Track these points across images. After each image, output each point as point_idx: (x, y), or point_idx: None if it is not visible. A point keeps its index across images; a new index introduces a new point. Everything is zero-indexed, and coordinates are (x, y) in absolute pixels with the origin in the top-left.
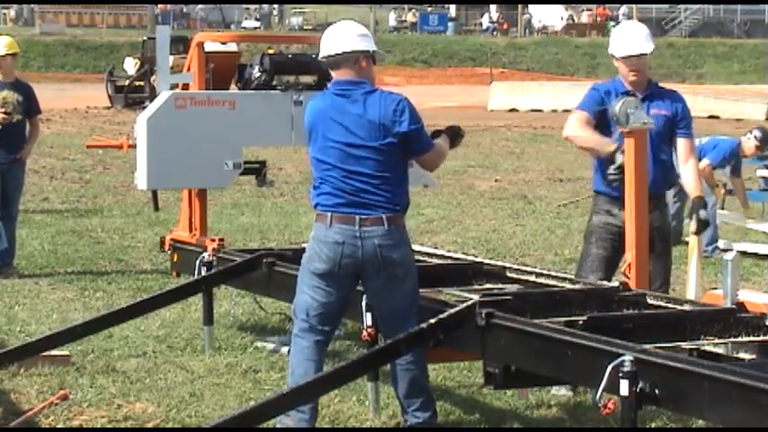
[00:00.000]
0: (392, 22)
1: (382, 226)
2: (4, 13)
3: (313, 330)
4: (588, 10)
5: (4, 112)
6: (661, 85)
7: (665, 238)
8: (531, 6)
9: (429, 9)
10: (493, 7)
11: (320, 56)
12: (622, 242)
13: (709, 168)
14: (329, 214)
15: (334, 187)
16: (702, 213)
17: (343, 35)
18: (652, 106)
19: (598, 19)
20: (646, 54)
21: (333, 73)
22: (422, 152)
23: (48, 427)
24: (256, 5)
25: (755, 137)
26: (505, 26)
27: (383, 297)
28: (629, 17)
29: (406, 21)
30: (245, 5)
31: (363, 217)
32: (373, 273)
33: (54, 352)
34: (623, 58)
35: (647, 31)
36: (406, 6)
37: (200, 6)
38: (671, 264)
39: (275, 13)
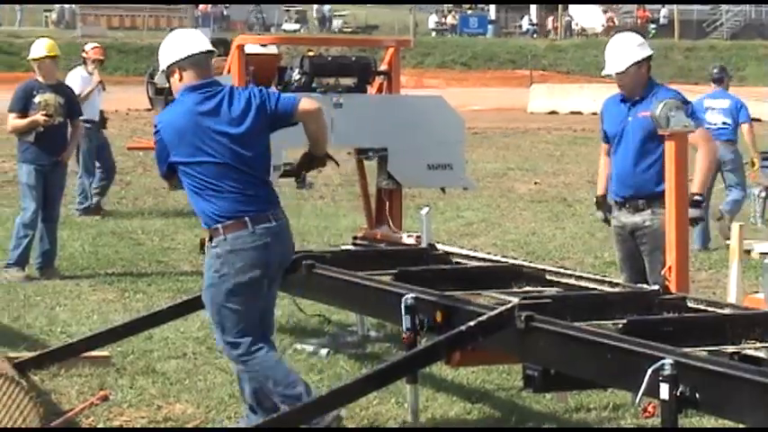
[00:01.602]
0: (432, 24)
1: (284, 219)
2: (46, 16)
3: (259, 337)
4: (605, 12)
5: (46, 115)
6: (666, 85)
7: (655, 236)
8: (571, 8)
9: (469, 11)
10: (533, 10)
11: (171, 60)
12: (632, 240)
13: (751, 128)
14: (246, 219)
15: (239, 191)
16: (693, 212)
17: (199, 36)
18: (640, 109)
19: (639, 21)
20: (620, 73)
21: (186, 73)
22: (295, 101)
23: (88, 427)
24: (301, 6)
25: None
26: (557, 28)
27: (274, 291)
28: (670, 19)
29: (445, 23)
30: (284, 7)
31: (272, 213)
32: (280, 267)
33: (94, 353)
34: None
35: (629, 44)
36: (445, 8)
37: (251, 8)
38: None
39: (327, 13)
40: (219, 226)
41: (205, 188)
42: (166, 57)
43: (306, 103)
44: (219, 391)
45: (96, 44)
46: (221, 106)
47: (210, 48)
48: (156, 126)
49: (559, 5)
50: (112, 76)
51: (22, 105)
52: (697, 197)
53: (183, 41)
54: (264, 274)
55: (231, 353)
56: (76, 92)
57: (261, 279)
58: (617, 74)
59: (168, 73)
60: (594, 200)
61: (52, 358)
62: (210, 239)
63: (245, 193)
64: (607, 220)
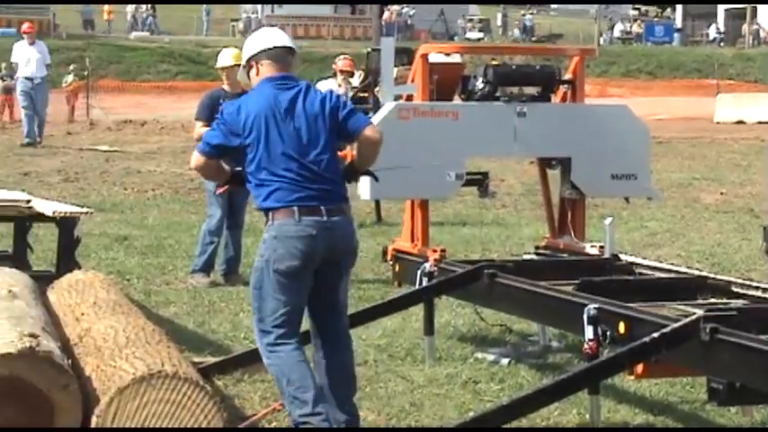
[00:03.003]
0: (617, 33)
1: (345, 215)
2: (233, 26)
3: (292, 333)
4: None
5: None
6: None
7: None
8: (759, 16)
9: (655, 20)
10: (720, 18)
11: (250, 54)
12: None
13: None
14: (295, 208)
15: (297, 182)
16: None
17: (280, 33)
18: None
19: None
20: None
21: (263, 67)
22: (365, 124)
23: (270, 427)
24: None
25: None
26: (745, 37)
27: (335, 290)
28: None
29: (631, 32)
30: (468, 16)
31: (327, 209)
32: (334, 265)
33: None
34: None
35: None
36: (631, 16)
37: (434, 17)
38: None
39: (528, 23)
40: (271, 212)
41: (266, 174)
42: (246, 52)
43: (372, 130)
44: (400, 399)
45: (347, 56)
46: (297, 100)
47: (290, 45)
48: (227, 108)
49: (748, 11)
50: None
51: (209, 113)
52: None
53: (263, 37)
54: (305, 266)
55: (260, 340)
56: None
57: (300, 270)
58: None
59: (247, 68)
60: (763, 229)
61: (236, 363)
62: (265, 224)
63: (301, 186)
64: None
